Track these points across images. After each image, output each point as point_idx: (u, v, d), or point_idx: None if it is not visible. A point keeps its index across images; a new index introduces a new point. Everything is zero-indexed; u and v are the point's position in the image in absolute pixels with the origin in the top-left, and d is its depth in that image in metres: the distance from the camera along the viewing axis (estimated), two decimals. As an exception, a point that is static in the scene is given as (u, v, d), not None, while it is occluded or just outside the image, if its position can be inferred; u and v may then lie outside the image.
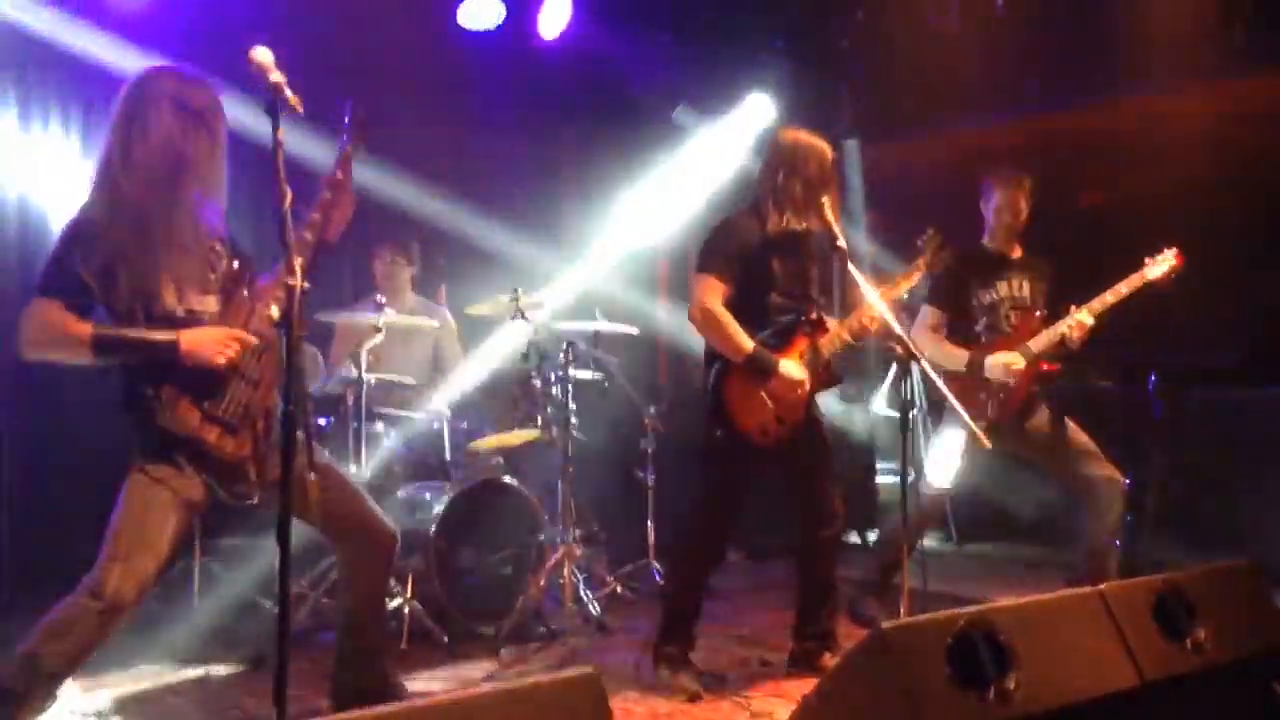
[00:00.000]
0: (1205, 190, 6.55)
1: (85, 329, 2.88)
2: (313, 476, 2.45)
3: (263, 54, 2.66)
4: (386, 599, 3.66)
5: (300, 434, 2.38)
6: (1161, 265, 4.55)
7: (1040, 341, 4.57)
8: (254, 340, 3.02)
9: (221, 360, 2.93)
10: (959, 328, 4.74)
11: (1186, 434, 5.69)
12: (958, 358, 4.64)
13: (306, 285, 2.44)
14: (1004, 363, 4.56)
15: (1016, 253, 4.78)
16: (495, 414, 5.06)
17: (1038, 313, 4.68)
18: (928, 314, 4.75)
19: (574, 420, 5.18)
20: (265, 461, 3.07)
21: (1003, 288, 4.72)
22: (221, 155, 3.11)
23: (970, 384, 4.57)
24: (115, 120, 3.02)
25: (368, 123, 3.24)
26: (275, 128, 2.55)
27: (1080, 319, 4.51)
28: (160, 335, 2.91)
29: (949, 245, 4.03)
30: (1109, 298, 4.55)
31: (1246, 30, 6.17)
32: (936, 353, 4.65)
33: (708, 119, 7.57)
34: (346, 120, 3.23)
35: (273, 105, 2.58)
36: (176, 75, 3.07)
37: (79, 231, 2.93)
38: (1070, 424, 4.67)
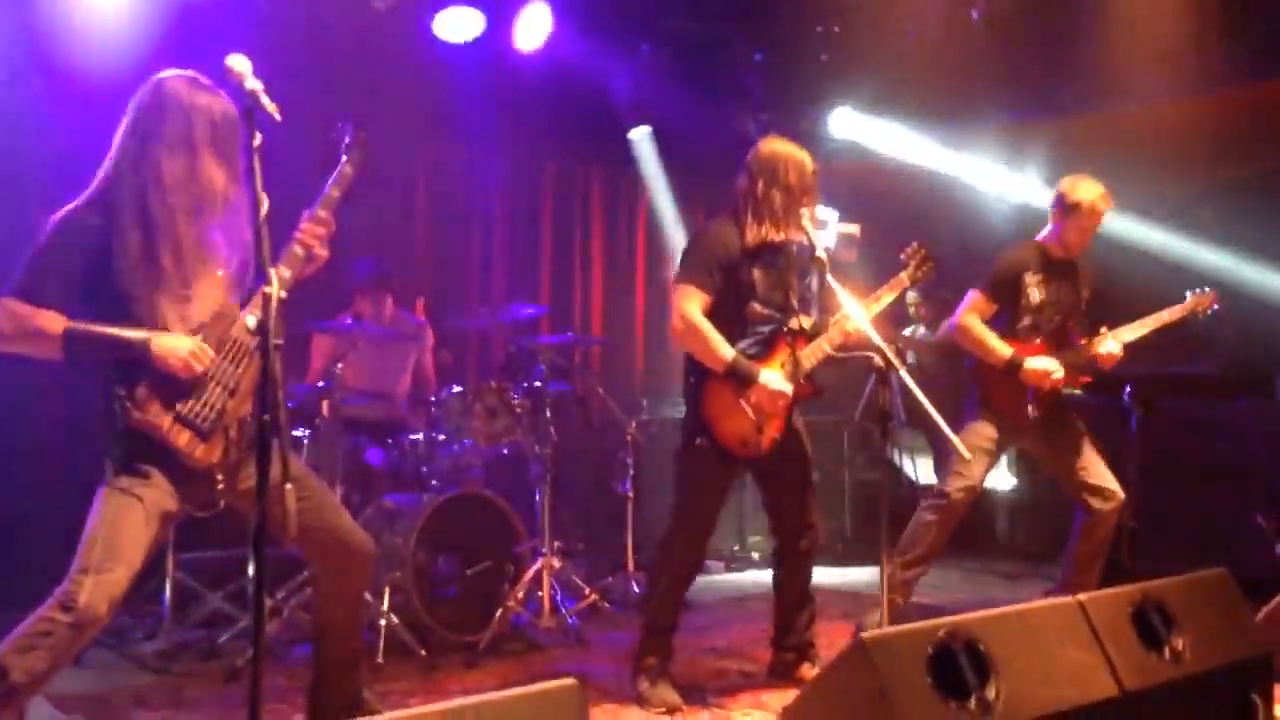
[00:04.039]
0: (1184, 202, 6.60)
1: (58, 323, 2.83)
2: (288, 486, 2.41)
3: (239, 62, 2.63)
4: (363, 612, 3.62)
5: (276, 443, 2.35)
6: (1201, 301, 4.84)
7: (1071, 356, 4.67)
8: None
9: (186, 375, 2.89)
10: (1003, 320, 4.75)
11: (1162, 444, 5.71)
12: (1000, 353, 4.65)
13: (284, 295, 2.42)
14: (1043, 369, 4.60)
15: (1072, 259, 4.82)
16: (473, 426, 5.02)
17: (1075, 321, 4.77)
18: (978, 300, 4.72)
19: (553, 432, 5.16)
20: (236, 471, 3.03)
21: (1053, 291, 4.73)
22: (231, 171, 3.03)
23: (1009, 385, 4.62)
24: (129, 129, 2.95)
25: (366, 146, 3.22)
26: (251, 135, 2.54)
27: (1111, 349, 4.64)
28: (133, 334, 2.87)
29: (939, 250, 4.06)
30: (1141, 328, 4.73)
31: (1226, 43, 6.23)
32: (981, 343, 4.67)
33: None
34: (344, 143, 3.21)
35: (249, 113, 2.56)
36: (202, 89, 2.99)
37: (68, 228, 2.88)
38: (1087, 435, 4.74)
